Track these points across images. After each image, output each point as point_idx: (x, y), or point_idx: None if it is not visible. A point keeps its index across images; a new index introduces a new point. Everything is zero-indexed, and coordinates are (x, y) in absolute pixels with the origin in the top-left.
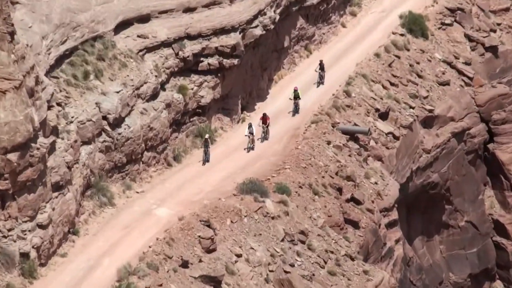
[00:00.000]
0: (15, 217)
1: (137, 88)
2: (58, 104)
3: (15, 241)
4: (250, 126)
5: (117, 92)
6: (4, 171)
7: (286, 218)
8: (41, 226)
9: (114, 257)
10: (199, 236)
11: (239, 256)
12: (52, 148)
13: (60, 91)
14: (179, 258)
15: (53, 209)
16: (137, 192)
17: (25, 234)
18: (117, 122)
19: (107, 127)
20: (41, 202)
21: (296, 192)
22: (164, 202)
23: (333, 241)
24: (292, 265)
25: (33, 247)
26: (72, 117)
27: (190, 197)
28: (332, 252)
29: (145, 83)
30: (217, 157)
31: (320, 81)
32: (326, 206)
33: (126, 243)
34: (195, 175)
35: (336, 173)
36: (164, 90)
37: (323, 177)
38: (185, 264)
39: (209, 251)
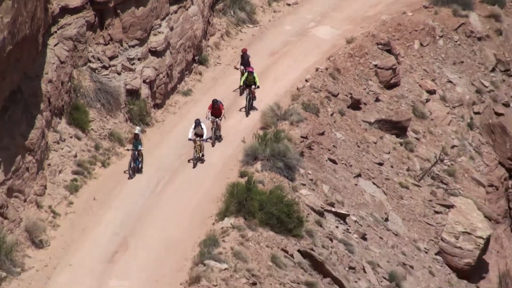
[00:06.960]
0: (119, 40)
1: None
2: None
3: (119, 74)
4: (197, 124)
5: None
6: None
7: (498, 39)
8: (155, 53)
9: (257, 98)
10: (376, 66)
11: (431, 92)
12: None
13: None
14: (347, 96)
15: (171, 29)
16: (288, 5)
17: (133, 64)
18: None
19: None
20: (155, 18)
21: None
22: (325, 18)
23: None
24: (506, 105)
25: (144, 81)
26: None
27: (362, 10)
28: None
29: None
30: None
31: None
32: None
33: (273, 76)
34: None
35: None
36: None
37: None
38: (355, 105)
39: (389, 86)
